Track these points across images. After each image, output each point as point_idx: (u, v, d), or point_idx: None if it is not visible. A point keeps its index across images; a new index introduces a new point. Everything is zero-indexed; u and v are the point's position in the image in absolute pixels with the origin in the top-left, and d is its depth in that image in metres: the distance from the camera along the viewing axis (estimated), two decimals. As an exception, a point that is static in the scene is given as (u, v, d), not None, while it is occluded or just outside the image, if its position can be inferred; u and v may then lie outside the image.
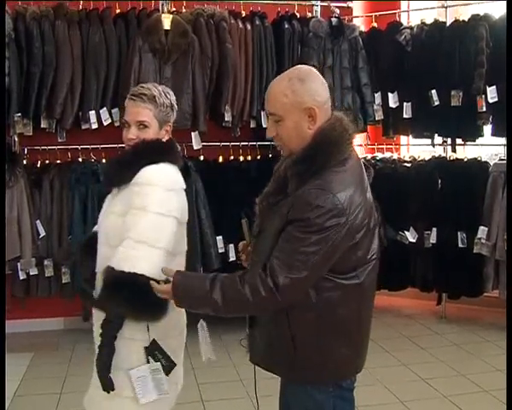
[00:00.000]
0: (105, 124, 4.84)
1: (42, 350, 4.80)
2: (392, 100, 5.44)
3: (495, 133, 5.14)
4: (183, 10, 5.06)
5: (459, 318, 5.45)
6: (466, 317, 5.47)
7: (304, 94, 1.94)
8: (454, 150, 5.46)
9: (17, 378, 4.24)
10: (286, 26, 5.22)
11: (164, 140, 2.33)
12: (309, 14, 5.49)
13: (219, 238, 4.94)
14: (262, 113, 4.99)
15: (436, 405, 3.84)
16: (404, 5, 6.20)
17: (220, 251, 4.94)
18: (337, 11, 5.37)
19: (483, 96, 4.99)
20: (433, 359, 4.58)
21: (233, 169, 5.15)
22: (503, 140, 5.08)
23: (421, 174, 5.49)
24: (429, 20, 5.42)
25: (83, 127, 4.88)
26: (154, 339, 2.19)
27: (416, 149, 6.07)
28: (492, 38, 5.04)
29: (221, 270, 4.63)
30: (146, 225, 2.14)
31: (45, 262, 4.83)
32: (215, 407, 3.85)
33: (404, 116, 5.42)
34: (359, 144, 6.10)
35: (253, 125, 5.21)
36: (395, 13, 5.69)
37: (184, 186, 2.33)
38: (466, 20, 5.18)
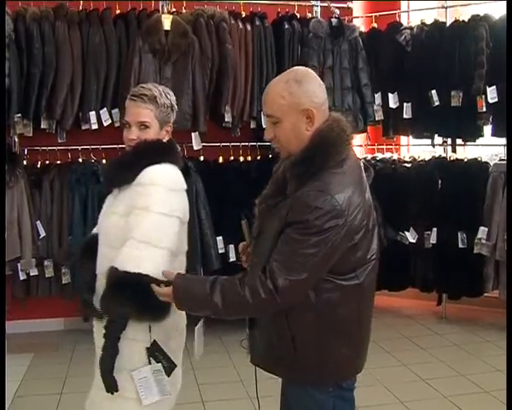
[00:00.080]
0: (105, 124, 4.84)
1: (42, 351, 4.80)
2: (393, 100, 5.44)
3: (495, 133, 5.14)
4: (183, 11, 5.07)
5: (459, 318, 5.45)
6: (466, 317, 5.47)
7: (301, 96, 1.94)
8: (454, 151, 5.47)
9: (17, 379, 4.24)
10: (286, 26, 5.22)
11: (164, 140, 2.33)
12: (309, 15, 5.50)
13: (219, 239, 4.94)
14: (262, 113, 4.99)
15: (436, 405, 3.84)
16: (404, 5, 6.20)
17: (220, 252, 4.94)
18: (337, 12, 5.37)
19: (483, 96, 4.99)
20: (434, 359, 4.58)
21: (233, 170, 5.15)
22: (503, 140, 5.07)
23: (422, 174, 5.49)
24: (429, 21, 5.43)
25: (83, 128, 4.89)
26: (154, 340, 2.19)
27: (416, 149, 6.07)
28: (492, 39, 5.04)
29: (221, 270, 4.63)
30: (149, 225, 2.14)
31: (45, 263, 4.83)
32: (215, 407, 3.85)
33: (404, 116, 5.42)
34: (359, 145, 6.11)
35: (253, 125, 5.21)
36: (395, 13, 5.70)
37: (185, 187, 2.33)
38: (466, 20, 5.19)
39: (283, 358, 2.00)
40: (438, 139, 5.56)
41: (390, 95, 5.43)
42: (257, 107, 5.06)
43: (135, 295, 2.06)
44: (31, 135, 4.78)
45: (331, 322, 1.96)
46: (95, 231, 2.47)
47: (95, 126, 4.82)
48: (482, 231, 5.05)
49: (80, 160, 4.96)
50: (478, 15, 5.15)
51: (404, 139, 6.22)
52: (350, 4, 5.78)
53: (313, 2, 5.54)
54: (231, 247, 4.92)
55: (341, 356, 2.00)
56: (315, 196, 1.85)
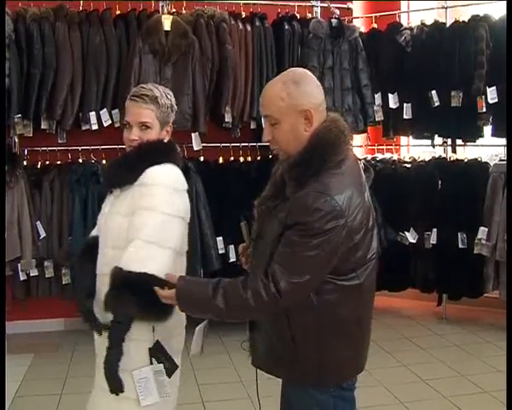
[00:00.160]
0: (105, 125, 4.84)
1: (42, 351, 4.80)
2: (393, 101, 5.44)
3: (495, 134, 5.14)
4: (183, 11, 5.07)
5: (459, 318, 5.45)
6: (466, 318, 5.47)
7: (299, 96, 1.94)
8: (454, 151, 5.47)
9: (17, 379, 4.23)
10: (286, 27, 5.23)
11: (165, 141, 2.33)
12: (309, 15, 5.50)
13: (219, 239, 4.94)
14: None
15: (436, 406, 3.84)
16: (403, 6, 6.20)
17: (220, 252, 4.94)
18: (337, 12, 5.37)
19: (483, 96, 4.99)
20: (434, 359, 4.58)
21: (233, 170, 5.15)
22: (504, 141, 5.07)
23: (422, 175, 5.49)
24: (429, 21, 5.43)
25: (83, 128, 4.89)
26: (157, 340, 2.18)
27: (416, 149, 6.07)
28: (492, 39, 5.04)
29: (221, 271, 4.63)
30: (155, 225, 2.14)
31: (45, 263, 4.83)
32: (215, 407, 3.84)
33: (405, 117, 5.43)
34: (359, 145, 6.12)
35: (253, 126, 5.21)
36: (395, 14, 5.69)
37: (187, 187, 2.33)
38: (466, 20, 5.19)
39: (284, 359, 2.00)
40: (438, 140, 5.56)
41: (390, 95, 5.43)
42: (257, 107, 5.06)
43: (140, 296, 2.05)
44: (31, 135, 4.78)
45: (331, 322, 1.96)
46: (94, 232, 2.46)
47: (95, 127, 4.82)
48: (482, 232, 5.05)
49: (80, 160, 4.96)
50: (478, 16, 5.15)
51: (404, 140, 6.22)
52: (350, 5, 5.78)
53: (313, 3, 5.55)
54: (231, 247, 4.92)
55: (342, 356, 2.00)
56: (314, 198, 1.85)
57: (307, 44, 5.19)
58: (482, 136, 5.28)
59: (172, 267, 2.15)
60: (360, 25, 5.73)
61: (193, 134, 4.93)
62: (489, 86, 4.96)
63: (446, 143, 5.51)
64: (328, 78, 5.17)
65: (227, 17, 5.01)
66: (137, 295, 2.05)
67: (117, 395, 2.09)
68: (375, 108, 5.42)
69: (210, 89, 4.97)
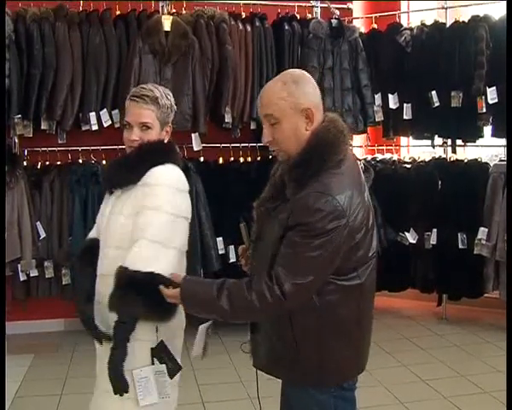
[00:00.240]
0: (105, 125, 4.84)
1: (42, 352, 4.80)
2: (393, 101, 5.44)
3: (495, 134, 5.14)
4: (183, 12, 5.07)
5: (459, 319, 5.45)
6: (466, 318, 5.47)
7: (300, 95, 1.95)
8: (454, 151, 5.47)
9: (17, 380, 4.23)
10: (286, 27, 5.23)
11: (165, 141, 2.34)
12: (309, 16, 5.50)
13: (219, 240, 4.94)
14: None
15: (436, 406, 3.84)
16: (404, 6, 6.20)
17: (220, 252, 4.94)
18: (337, 12, 5.37)
19: (483, 97, 4.99)
20: (434, 360, 4.58)
21: (233, 170, 5.15)
22: (503, 141, 5.07)
23: (422, 175, 5.49)
24: (429, 21, 5.43)
25: (83, 129, 4.89)
26: (161, 341, 2.18)
27: (416, 150, 6.07)
28: (492, 39, 5.04)
29: (221, 271, 4.63)
30: (160, 225, 2.15)
31: (45, 263, 4.83)
32: (215, 408, 3.85)
33: (405, 117, 5.42)
34: (359, 145, 6.12)
35: (253, 126, 5.21)
36: (395, 14, 5.69)
37: (188, 188, 2.33)
38: (466, 21, 5.19)
39: (284, 359, 2.00)
40: (438, 140, 5.56)
41: (390, 96, 5.43)
42: (257, 108, 5.05)
43: (146, 295, 2.05)
44: (31, 136, 4.78)
45: (332, 322, 1.96)
46: (92, 234, 2.45)
47: (95, 127, 4.82)
48: (482, 232, 5.05)
49: (80, 161, 4.96)
50: (478, 16, 5.15)
51: (404, 140, 6.21)
52: (350, 5, 5.79)
53: (313, 3, 5.55)
54: (231, 248, 4.93)
55: (342, 356, 2.00)
56: (316, 198, 1.85)
57: (307, 45, 5.19)
58: (482, 136, 5.28)
59: (177, 267, 2.15)
60: (360, 25, 5.73)
61: (193, 134, 4.93)
62: (489, 86, 4.96)
63: (446, 143, 5.51)
64: (328, 78, 5.17)
65: (227, 17, 5.01)
66: (144, 294, 2.05)
67: (121, 395, 2.08)
68: (375, 108, 5.42)
69: (210, 89, 4.97)
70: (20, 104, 4.61)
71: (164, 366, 2.17)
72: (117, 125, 4.77)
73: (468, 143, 5.42)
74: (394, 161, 5.76)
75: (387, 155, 5.89)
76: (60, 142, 4.94)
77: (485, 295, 5.24)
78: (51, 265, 4.84)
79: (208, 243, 4.81)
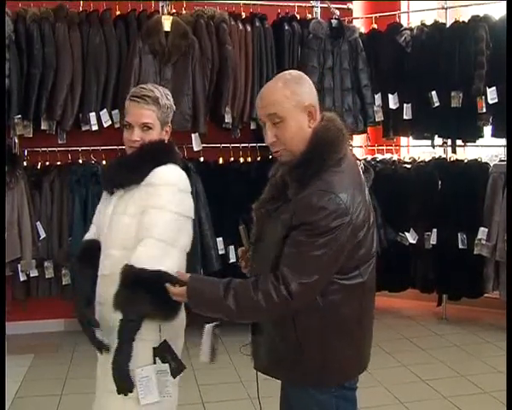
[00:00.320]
0: (105, 125, 4.85)
1: (42, 352, 4.80)
2: (393, 101, 5.44)
3: (495, 134, 5.14)
4: (183, 12, 5.07)
5: (459, 319, 5.45)
6: (466, 318, 5.47)
7: (302, 93, 1.96)
8: (454, 151, 5.47)
9: (18, 380, 4.24)
10: (286, 27, 5.23)
11: (165, 141, 2.34)
12: (309, 16, 5.50)
13: (219, 240, 4.94)
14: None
15: (436, 406, 3.84)
16: (404, 6, 6.20)
17: (220, 253, 4.94)
18: (337, 12, 5.37)
19: (483, 97, 4.99)
20: (434, 360, 4.58)
21: (233, 171, 5.15)
22: (504, 141, 5.07)
23: (422, 175, 5.49)
24: (429, 22, 5.43)
25: (83, 129, 4.89)
26: (165, 340, 2.18)
27: (416, 150, 6.07)
28: (492, 39, 5.04)
29: (221, 271, 4.63)
30: (165, 224, 2.15)
31: (45, 264, 4.83)
32: (216, 408, 3.85)
33: (405, 117, 5.43)
34: (359, 146, 6.12)
35: (253, 126, 5.21)
36: (395, 14, 5.69)
37: (190, 189, 2.34)
38: (466, 21, 5.19)
39: (288, 360, 2.00)
40: (438, 140, 5.56)
41: (390, 96, 5.43)
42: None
43: (154, 293, 2.05)
44: (31, 136, 4.78)
45: (335, 322, 1.96)
46: (90, 235, 2.42)
47: (95, 127, 4.82)
48: (482, 232, 5.05)
49: (80, 161, 4.97)
50: (478, 16, 5.15)
51: (404, 140, 6.21)
52: (350, 5, 5.79)
53: (313, 3, 5.55)
54: (231, 248, 4.92)
55: (345, 356, 2.00)
56: (319, 197, 1.85)
57: (307, 45, 5.19)
58: (482, 136, 5.28)
59: (183, 266, 2.16)
60: (360, 25, 5.73)
61: (193, 135, 4.93)
62: (489, 87, 4.96)
63: (446, 143, 5.51)
64: (328, 78, 5.17)
65: (227, 17, 5.01)
66: (151, 292, 2.05)
67: (125, 395, 2.07)
68: (375, 108, 5.42)
69: (210, 89, 4.97)
70: (20, 104, 4.61)
71: (166, 365, 2.17)
72: (117, 126, 4.77)
73: (468, 143, 5.42)
74: (394, 161, 5.76)
75: (387, 155, 5.89)
76: (60, 142, 4.94)
77: (485, 295, 5.25)
78: (51, 265, 4.84)
79: (208, 243, 4.81)
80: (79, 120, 4.86)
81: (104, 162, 4.87)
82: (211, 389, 4.07)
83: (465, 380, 4.19)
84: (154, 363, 2.17)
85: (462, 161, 5.39)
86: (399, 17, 5.70)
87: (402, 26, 5.56)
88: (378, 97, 5.45)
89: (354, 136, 5.66)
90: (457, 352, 4.75)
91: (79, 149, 4.99)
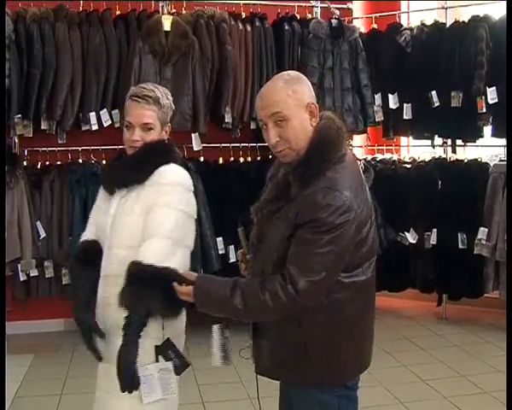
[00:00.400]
0: (105, 125, 4.84)
1: (42, 351, 4.80)
2: (393, 101, 5.44)
3: (495, 134, 5.14)
4: (183, 11, 5.07)
5: (459, 319, 5.45)
6: (466, 318, 5.47)
7: (303, 92, 1.97)
8: (454, 151, 5.47)
9: (17, 380, 4.24)
10: (286, 27, 5.23)
11: (166, 141, 2.34)
12: (309, 16, 5.50)
13: (219, 239, 4.94)
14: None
15: (436, 406, 3.84)
16: (404, 6, 6.20)
17: (220, 252, 4.94)
18: (337, 12, 5.37)
19: (483, 97, 4.99)
20: (434, 360, 4.58)
21: (233, 170, 5.15)
22: (504, 141, 5.07)
23: (422, 175, 5.49)
24: (429, 21, 5.43)
25: (83, 129, 4.89)
26: (168, 338, 2.17)
27: (416, 150, 6.07)
28: (492, 39, 5.04)
29: (221, 271, 4.63)
30: (173, 223, 2.16)
31: (45, 263, 4.83)
32: (215, 408, 3.85)
33: (405, 117, 5.43)
34: (359, 145, 6.12)
35: (253, 126, 5.20)
36: (395, 14, 5.70)
37: (193, 189, 2.34)
38: (466, 21, 5.19)
39: (292, 361, 1.99)
40: (438, 140, 5.56)
41: (390, 96, 5.43)
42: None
43: (163, 290, 2.04)
44: (31, 136, 4.78)
45: (338, 321, 1.96)
46: (88, 235, 2.39)
47: (95, 127, 4.82)
48: (482, 232, 5.05)
49: (80, 160, 4.96)
50: (478, 16, 5.15)
51: (404, 140, 6.21)
52: (350, 5, 5.79)
53: (313, 3, 5.55)
54: (231, 248, 4.92)
55: (348, 354, 2.00)
56: (324, 194, 1.86)
57: (307, 45, 5.19)
58: (482, 136, 5.28)
59: (187, 265, 2.17)
60: (360, 25, 5.73)
61: (193, 134, 4.93)
62: (489, 86, 4.96)
63: (446, 143, 5.51)
64: (328, 78, 5.17)
65: (227, 17, 5.01)
66: (160, 288, 2.04)
67: (129, 392, 2.06)
68: (375, 108, 5.42)
69: (210, 89, 4.97)
70: (20, 104, 4.61)
71: (169, 363, 2.16)
72: (117, 125, 4.77)
73: (468, 143, 5.42)
74: (394, 161, 5.75)
75: (387, 155, 5.89)
76: (60, 142, 4.95)
77: (485, 295, 5.24)
78: (51, 265, 4.84)
79: (208, 243, 4.81)
80: (79, 120, 4.86)
81: (104, 162, 4.87)
82: (211, 388, 4.07)
83: (465, 380, 4.19)
84: (157, 361, 2.16)
85: (462, 161, 5.39)
86: (399, 17, 5.70)
87: (402, 26, 5.56)
88: (378, 97, 5.45)
89: (354, 136, 5.67)
90: (457, 352, 4.75)
91: (79, 148, 4.99)
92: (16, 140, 4.82)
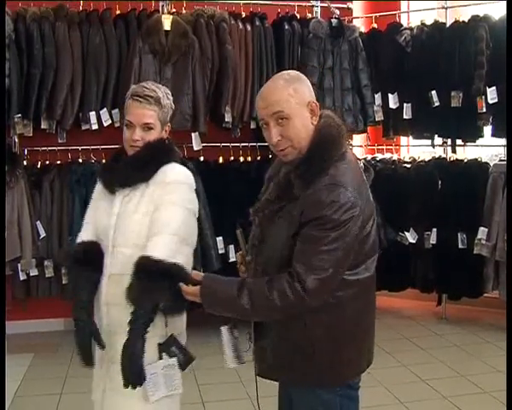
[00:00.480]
0: (105, 125, 4.85)
1: (42, 351, 4.80)
2: (393, 101, 5.44)
3: (495, 134, 5.14)
4: (183, 11, 5.07)
5: (459, 319, 5.45)
6: (466, 318, 5.47)
7: (303, 91, 1.98)
8: (454, 151, 5.47)
9: (17, 379, 4.24)
10: (286, 26, 5.23)
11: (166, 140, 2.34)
12: (309, 15, 5.50)
13: (219, 239, 4.94)
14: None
15: (436, 406, 3.84)
16: (404, 6, 6.20)
17: (220, 252, 4.94)
18: (337, 12, 5.37)
19: (483, 96, 4.99)
20: (434, 360, 4.58)
21: (233, 170, 5.15)
22: (503, 141, 5.08)
23: (422, 175, 5.49)
24: (429, 21, 5.43)
25: (83, 128, 4.89)
26: (171, 334, 2.18)
27: (416, 149, 6.07)
28: (492, 39, 5.04)
29: (221, 271, 4.63)
30: (180, 221, 2.17)
31: (45, 263, 4.83)
32: (215, 408, 3.85)
33: (404, 117, 5.42)
34: (359, 145, 6.12)
35: (253, 126, 5.21)
36: (395, 14, 5.70)
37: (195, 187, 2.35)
38: (466, 20, 5.19)
39: (296, 361, 1.98)
40: (438, 140, 5.56)
41: (390, 95, 5.43)
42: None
43: (171, 285, 2.04)
44: (31, 135, 4.79)
45: (344, 318, 1.96)
46: (86, 236, 2.38)
47: (95, 127, 4.82)
48: (482, 232, 5.05)
49: (80, 160, 4.97)
50: (478, 16, 5.15)
51: (404, 140, 6.22)
52: (350, 5, 5.79)
53: (313, 3, 5.55)
54: (231, 247, 4.92)
55: (352, 353, 2.00)
56: (328, 191, 1.86)
57: (307, 44, 5.19)
58: (482, 136, 5.28)
59: (190, 264, 2.18)
60: (360, 25, 5.73)
61: (193, 134, 4.93)
62: (489, 86, 4.96)
63: (446, 143, 5.51)
64: (328, 78, 5.17)
65: (227, 17, 5.01)
66: (169, 283, 2.04)
67: (133, 388, 2.05)
68: (375, 108, 5.42)
69: (210, 89, 4.96)
70: (20, 104, 4.61)
71: (173, 359, 2.16)
72: (117, 125, 4.77)
73: (468, 143, 5.42)
74: (394, 160, 5.75)
75: (387, 155, 5.89)
76: (60, 141, 4.95)
77: (485, 295, 5.24)
78: (51, 264, 4.84)
79: (208, 243, 4.81)
80: (79, 120, 4.86)
81: (104, 162, 4.86)
82: (211, 388, 4.07)
83: (465, 380, 4.19)
84: (161, 359, 2.16)
85: (462, 160, 5.39)
86: (399, 17, 5.70)
87: (402, 25, 5.56)
88: (378, 97, 5.45)
89: (354, 135, 5.67)
90: (457, 352, 4.75)
91: (79, 148, 4.99)
92: (16, 139, 4.82)
